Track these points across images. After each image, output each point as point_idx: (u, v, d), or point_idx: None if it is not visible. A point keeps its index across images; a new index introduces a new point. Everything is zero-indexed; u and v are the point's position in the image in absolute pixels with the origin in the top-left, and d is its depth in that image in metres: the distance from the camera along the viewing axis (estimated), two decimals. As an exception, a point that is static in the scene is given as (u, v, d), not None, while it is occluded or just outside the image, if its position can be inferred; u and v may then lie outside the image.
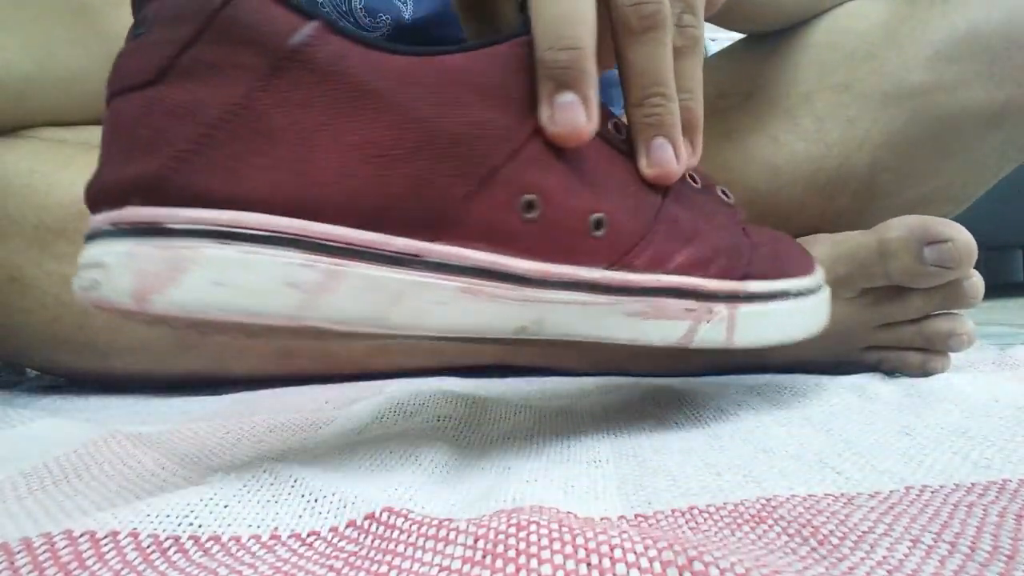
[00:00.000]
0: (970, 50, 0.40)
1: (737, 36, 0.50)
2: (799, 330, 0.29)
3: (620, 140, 0.26)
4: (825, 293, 0.31)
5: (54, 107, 0.47)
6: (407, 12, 0.54)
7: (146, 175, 0.17)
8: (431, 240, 0.20)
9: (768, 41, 0.46)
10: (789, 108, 0.44)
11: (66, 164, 0.42)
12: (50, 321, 0.42)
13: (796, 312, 0.29)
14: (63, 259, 0.42)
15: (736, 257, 0.27)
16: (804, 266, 0.30)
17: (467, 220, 0.21)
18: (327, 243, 0.19)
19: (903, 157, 0.43)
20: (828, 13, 0.44)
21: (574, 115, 0.22)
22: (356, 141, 0.19)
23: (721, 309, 0.26)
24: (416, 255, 0.20)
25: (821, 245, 0.41)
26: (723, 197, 0.29)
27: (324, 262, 0.18)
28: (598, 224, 0.23)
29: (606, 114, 0.25)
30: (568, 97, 0.22)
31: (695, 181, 0.28)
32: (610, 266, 0.24)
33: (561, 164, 0.23)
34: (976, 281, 0.37)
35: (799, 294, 0.29)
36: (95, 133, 0.48)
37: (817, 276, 0.31)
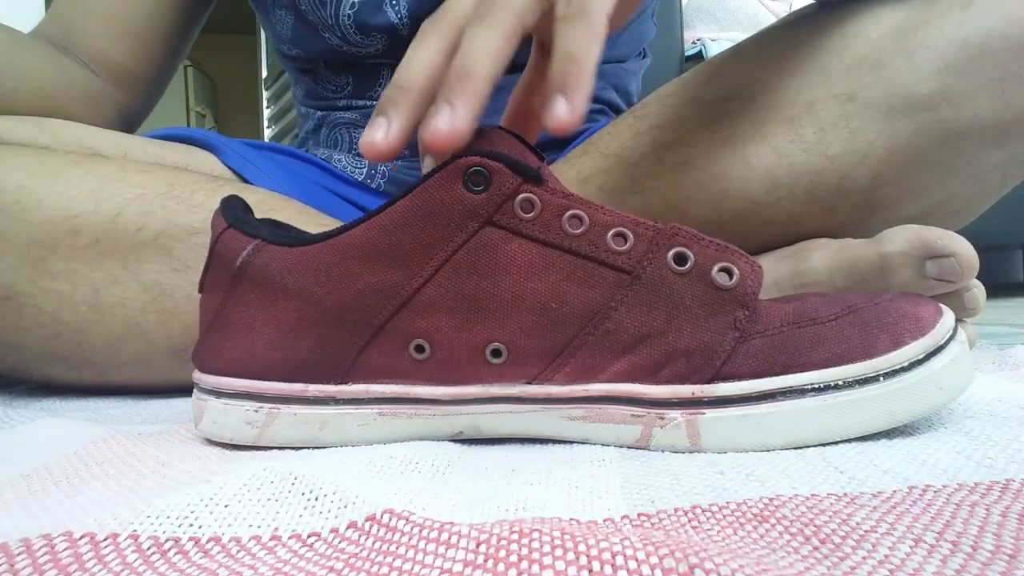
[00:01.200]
0: (981, 64, 0.39)
1: (736, 38, 0.49)
2: (843, 427, 0.25)
3: (541, 231, 0.25)
4: (910, 377, 0.25)
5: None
6: (396, 17, 0.53)
7: (194, 352, 0.29)
8: (341, 383, 0.27)
9: (774, 43, 0.45)
10: (791, 117, 0.42)
11: (55, 177, 0.40)
12: (48, 339, 0.41)
13: (826, 409, 0.25)
14: (58, 276, 0.40)
15: (705, 357, 0.25)
16: (871, 345, 0.25)
17: (367, 366, 0.27)
18: (264, 394, 0.28)
19: (905, 172, 0.41)
20: (838, 15, 0.43)
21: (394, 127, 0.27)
22: (274, 323, 0.27)
23: (675, 415, 0.25)
24: (331, 396, 0.27)
25: (822, 251, 0.41)
26: (718, 279, 0.25)
27: (265, 407, 0.28)
28: (496, 353, 0.26)
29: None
30: (380, 122, 0.27)
31: (683, 262, 0.26)
32: (530, 381, 0.26)
33: (454, 303, 0.26)
34: (977, 293, 0.36)
35: (828, 388, 0.25)
36: (77, 134, 0.47)
37: (902, 353, 0.25)
